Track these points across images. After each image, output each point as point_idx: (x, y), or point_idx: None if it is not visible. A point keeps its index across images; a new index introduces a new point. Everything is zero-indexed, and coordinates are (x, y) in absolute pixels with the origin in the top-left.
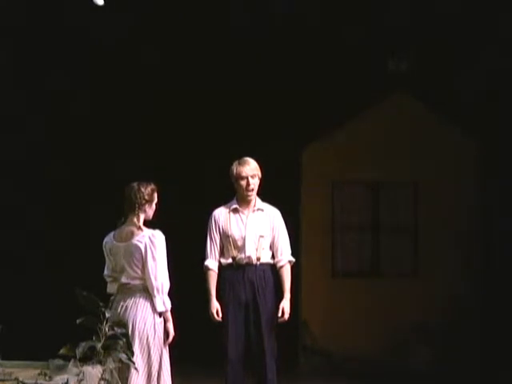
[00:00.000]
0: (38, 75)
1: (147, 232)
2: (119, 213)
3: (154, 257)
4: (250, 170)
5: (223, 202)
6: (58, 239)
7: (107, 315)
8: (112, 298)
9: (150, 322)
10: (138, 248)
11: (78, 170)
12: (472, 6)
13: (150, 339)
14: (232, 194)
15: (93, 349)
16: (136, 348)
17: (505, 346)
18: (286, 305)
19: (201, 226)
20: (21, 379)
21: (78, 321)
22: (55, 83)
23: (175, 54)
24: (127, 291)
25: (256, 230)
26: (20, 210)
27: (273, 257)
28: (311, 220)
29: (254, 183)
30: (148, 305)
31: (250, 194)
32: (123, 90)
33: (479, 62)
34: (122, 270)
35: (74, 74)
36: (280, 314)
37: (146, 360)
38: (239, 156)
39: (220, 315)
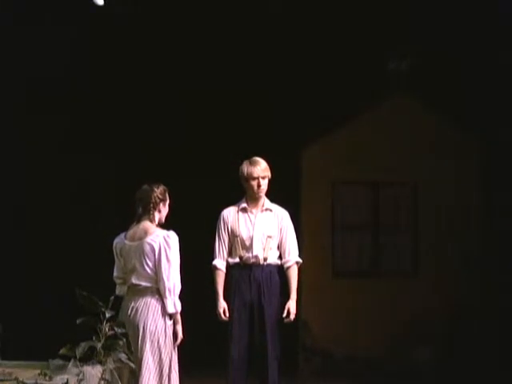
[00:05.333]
0: (37, 73)
1: (161, 232)
2: (120, 212)
3: (168, 257)
4: (261, 170)
5: (226, 201)
6: (58, 239)
7: (107, 315)
8: (112, 297)
9: (161, 324)
10: (152, 247)
11: (80, 170)
12: (472, 6)
13: (161, 341)
14: (236, 193)
15: (93, 349)
16: (147, 350)
17: (505, 345)
18: (291, 305)
19: (204, 228)
20: (21, 379)
21: (78, 321)
22: (54, 80)
23: (175, 53)
24: (137, 293)
25: (264, 230)
26: (20, 209)
27: (280, 257)
28: (311, 220)
29: (265, 184)
30: (159, 307)
31: (258, 194)
32: (125, 88)
33: (480, 62)
34: (133, 270)
35: (75, 73)
36: (285, 314)
37: (157, 362)
38: (240, 156)
39: (227, 315)
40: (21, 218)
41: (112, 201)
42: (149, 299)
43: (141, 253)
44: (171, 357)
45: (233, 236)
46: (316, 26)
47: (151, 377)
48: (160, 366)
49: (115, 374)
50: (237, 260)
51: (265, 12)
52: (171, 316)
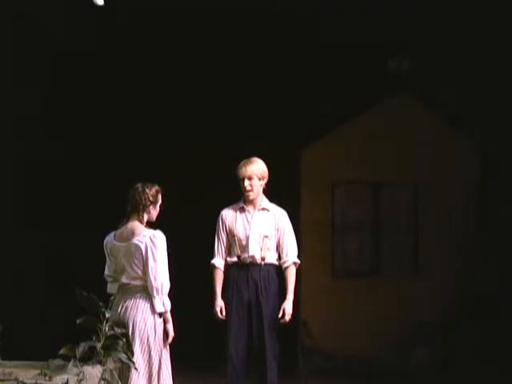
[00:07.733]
0: (37, 71)
1: (148, 232)
2: (119, 213)
3: (154, 257)
4: (246, 171)
5: (223, 202)
6: (58, 239)
7: (107, 315)
8: (112, 298)
9: (150, 322)
10: (139, 248)
11: (79, 170)
12: (473, 6)
13: (151, 339)
14: (231, 194)
15: (93, 349)
16: (137, 348)
17: (505, 345)
18: (287, 306)
19: (201, 227)
20: (21, 379)
21: (78, 321)
22: (54, 78)
23: (175, 53)
24: (127, 291)
25: (260, 230)
26: (20, 209)
27: (279, 257)
28: (311, 220)
29: (251, 184)
30: (148, 305)
31: (247, 194)
32: (124, 87)
33: (480, 62)
34: (123, 270)
35: (75, 73)
36: (281, 315)
37: (146, 360)
38: (239, 156)
39: (224, 313)
40: (21, 217)
41: (112, 200)
42: (138, 297)
43: (129, 254)
44: (161, 355)
45: (231, 235)
46: (317, 25)
47: (140, 374)
48: (149, 364)
49: (115, 373)
50: (235, 259)
51: (265, 11)
52: (161, 314)
